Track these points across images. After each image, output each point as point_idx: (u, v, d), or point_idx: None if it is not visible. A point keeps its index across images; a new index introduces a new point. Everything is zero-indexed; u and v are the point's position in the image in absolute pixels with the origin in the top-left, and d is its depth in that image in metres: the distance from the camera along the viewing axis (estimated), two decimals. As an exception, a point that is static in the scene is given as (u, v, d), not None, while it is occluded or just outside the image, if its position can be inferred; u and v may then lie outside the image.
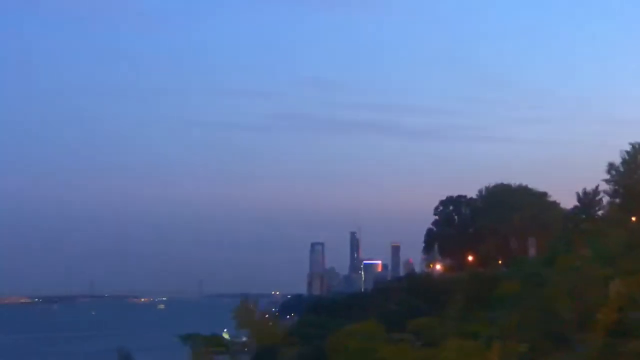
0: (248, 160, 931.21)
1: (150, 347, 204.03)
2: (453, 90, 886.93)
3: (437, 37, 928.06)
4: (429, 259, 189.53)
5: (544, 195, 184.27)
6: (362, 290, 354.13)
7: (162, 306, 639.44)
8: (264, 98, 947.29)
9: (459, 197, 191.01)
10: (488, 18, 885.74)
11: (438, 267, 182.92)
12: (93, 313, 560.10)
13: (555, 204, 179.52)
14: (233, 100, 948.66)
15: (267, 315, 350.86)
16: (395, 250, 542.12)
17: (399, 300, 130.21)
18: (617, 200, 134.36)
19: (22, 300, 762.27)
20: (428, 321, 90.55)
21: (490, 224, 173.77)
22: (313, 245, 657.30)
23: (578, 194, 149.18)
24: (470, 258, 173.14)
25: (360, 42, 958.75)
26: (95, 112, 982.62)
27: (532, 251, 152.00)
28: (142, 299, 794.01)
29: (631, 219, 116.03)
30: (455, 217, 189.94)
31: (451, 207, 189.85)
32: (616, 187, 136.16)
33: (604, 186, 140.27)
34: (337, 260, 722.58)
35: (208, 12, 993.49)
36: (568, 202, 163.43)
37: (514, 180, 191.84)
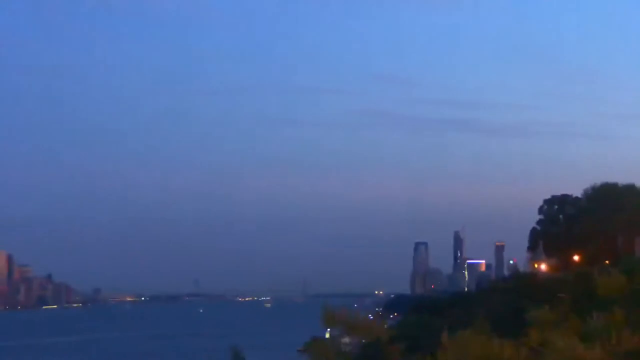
0: (344, 159, 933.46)
1: (261, 346, 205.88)
2: (537, 86, 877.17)
3: (518, 31, 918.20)
4: (534, 259, 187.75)
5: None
6: (466, 289, 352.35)
7: (268, 304, 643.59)
8: (342, 95, 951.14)
9: (564, 196, 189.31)
10: (572, 9, 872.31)
11: (543, 266, 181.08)
12: (201, 310, 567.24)
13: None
14: (314, 97, 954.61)
15: (370, 316, 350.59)
16: (499, 249, 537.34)
17: (503, 301, 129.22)
18: None
19: (129, 299, 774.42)
20: (541, 317, 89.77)
21: (596, 223, 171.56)
22: (417, 244, 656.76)
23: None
24: (576, 258, 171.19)
25: (440, 38, 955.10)
26: (184, 109, 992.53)
27: (638, 251, 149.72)
28: (246, 298, 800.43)
29: None
30: (560, 216, 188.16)
31: (556, 207, 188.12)
32: None
33: None
34: (441, 260, 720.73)
35: (280, 9, 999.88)
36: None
37: (617, 179, 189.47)
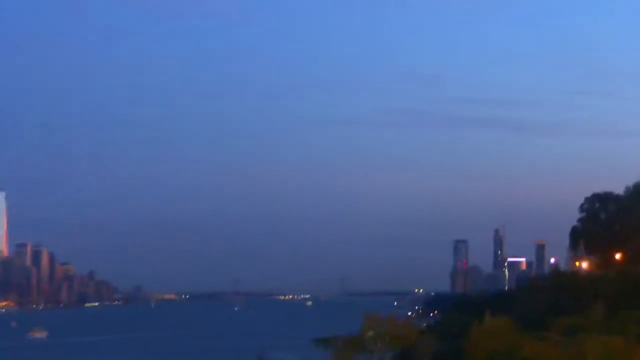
0: (380, 158, 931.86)
1: (293, 345, 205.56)
2: (577, 84, 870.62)
3: (549, 30, 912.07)
4: (575, 257, 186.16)
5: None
6: (506, 288, 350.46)
7: (309, 303, 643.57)
8: (377, 94, 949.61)
9: (606, 194, 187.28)
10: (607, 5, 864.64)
11: (584, 265, 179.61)
12: (235, 309, 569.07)
13: None
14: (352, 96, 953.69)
15: (410, 313, 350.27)
16: (540, 248, 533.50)
17: (544, 299, 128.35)
18: None
19: (170, 297, 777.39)
20: (574, 319, 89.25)
21: (638, 221, 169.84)
22: (456, 242, 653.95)
23: None
24: (617, 256, 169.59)
25: (472, 38, 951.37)
26: (232, 110, 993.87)
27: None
28: (286, 296, 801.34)
29: None
30: (602, 214, 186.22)
31: (597, 205, 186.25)
32: None
33: None
34: (481, 258, 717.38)
35: (314, 9, 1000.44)
36: None
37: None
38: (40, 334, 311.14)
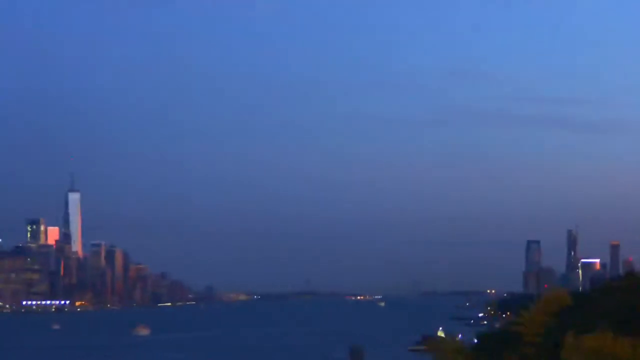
0: (450, 158, 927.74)
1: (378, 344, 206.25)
2: (632, 79, 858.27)
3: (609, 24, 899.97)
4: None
5: None
6: (580, 289, 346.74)
7: (382, 303, 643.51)
8: (424, 92, 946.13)
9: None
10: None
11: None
12: (306, 308, 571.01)
13: None
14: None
15: (481, 314, 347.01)
16: (614, 248, 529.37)
17: (620, 301, 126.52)
18: None
19: (240, 297, 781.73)
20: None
21: None
22: (529, 243, 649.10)
23: None
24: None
25: (528, 34, 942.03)
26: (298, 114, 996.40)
27: None
28: (358, 297, 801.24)
29: None
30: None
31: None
32: None
33: None
34: (554, 259, 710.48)
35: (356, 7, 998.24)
36: None
37: None
38: (144, 331, 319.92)
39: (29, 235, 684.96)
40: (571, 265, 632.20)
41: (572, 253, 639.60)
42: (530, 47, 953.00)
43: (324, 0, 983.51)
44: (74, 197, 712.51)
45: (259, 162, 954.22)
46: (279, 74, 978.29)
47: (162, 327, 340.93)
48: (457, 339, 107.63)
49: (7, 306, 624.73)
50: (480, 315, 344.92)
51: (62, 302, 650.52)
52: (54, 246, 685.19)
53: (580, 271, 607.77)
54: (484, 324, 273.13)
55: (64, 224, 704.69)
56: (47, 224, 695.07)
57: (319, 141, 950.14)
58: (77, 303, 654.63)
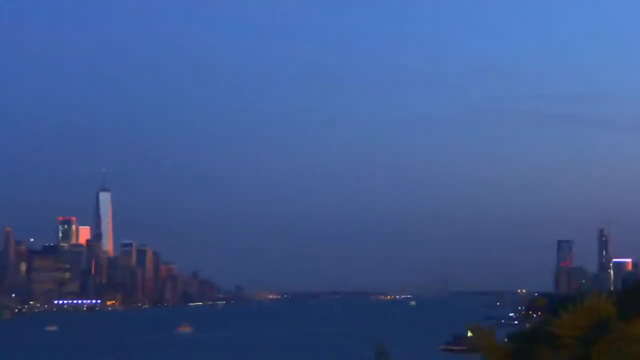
0: (479, 157, 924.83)
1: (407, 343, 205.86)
2: None
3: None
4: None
5: None
6: (612, 289, 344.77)
7: (413, 302, 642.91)
8: (450, 89, 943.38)
9: None
10: None
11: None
12: (335, 308, 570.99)
13: None
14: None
15: (512, 314, 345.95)
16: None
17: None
18: None
19: (271, 296, 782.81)
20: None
21: None
22: (560, 242, 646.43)
23: None
24: None
25: (559, 33, 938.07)
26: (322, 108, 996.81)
27: None
28: (388, 296, 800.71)
29: None
30: None
31: None
32: None
33: None
34: (585, 258, 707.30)
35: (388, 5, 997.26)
36: None
37: None
38: (186, 329, 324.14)
39: (60, 235, 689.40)
40: (603, 264, 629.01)
41: (604, 252, 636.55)
42: (561, 43, 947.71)
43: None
44: (105, 197, 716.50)
45: (283, 162, 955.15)
46: (304, 69, 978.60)
47: (202, 326, 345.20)
48: (493, 333, 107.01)
49: (39, 305, 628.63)
50: (511, 314, 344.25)
51: (93, 301, 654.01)
52: (85, 245, 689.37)
53: (612, 271, 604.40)
54: (515, 324, 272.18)
55: (95, 223, 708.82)
56: (79, 224, 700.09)
57: (339, 141, 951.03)
58: (108, 302, 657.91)
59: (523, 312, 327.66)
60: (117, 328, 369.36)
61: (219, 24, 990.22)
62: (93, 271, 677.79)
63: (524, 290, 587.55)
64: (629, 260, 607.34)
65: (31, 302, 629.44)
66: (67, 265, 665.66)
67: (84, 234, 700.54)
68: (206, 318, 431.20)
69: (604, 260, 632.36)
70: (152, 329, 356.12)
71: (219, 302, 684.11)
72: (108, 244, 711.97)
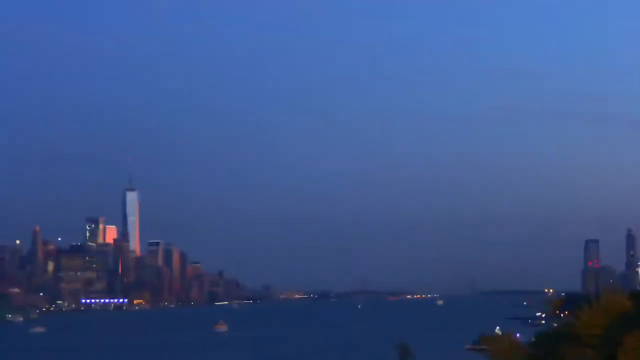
0: (504, 159, 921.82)
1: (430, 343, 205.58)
2: None
3: None
4: None
5: None
6: (639, 288, 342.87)
7: (440, 302, 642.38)
8: (484, 91, 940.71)
9: None
10: None
11: None
12: (359, 307, 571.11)
13: None
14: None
15: (539, 314, 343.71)
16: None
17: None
18: None
19: (298, 296, 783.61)
20: None
21: None
22: (587, 242, 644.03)
23: None
24: None
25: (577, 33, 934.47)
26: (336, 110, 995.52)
27: None
28: (415, 296, 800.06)
29: None
30: None
31: None
32: None
33: None
34: (612, 258, 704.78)
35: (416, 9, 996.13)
36: None
37: None
38: (222, 327, 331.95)
39: (87, 234, 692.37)
40: (630, 264, 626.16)
41: (631, 252, 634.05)
42: (593, 44, 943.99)
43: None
44: (132, 196, 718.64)
45: (310, 162, 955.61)
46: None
47: (236, 325, 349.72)
48: (513, 336, 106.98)
49: (66, 304, 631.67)
50: (538, 314, 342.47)
51: (120, 300, 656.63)
52: (113, 245, 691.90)
53: (639, 270, 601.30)
54: (543, 324, 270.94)
55: (122, 223, 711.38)
56: (106, 223, 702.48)
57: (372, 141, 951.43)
58: (135, 301, 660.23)
59: (549, 312, 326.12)
60: (150, 327, 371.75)
61: (261, 20, 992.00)
62: (120, 270, 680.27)
63: (551, 290, 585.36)
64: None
65: (59, 302, 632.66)
66: (95, 265, 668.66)
67: (111, 233, 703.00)
68: (235, 317, 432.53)
69: (631, 259, 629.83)
70: (188, 328, 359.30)
71: (235, 301, 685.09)
72: (135, 244, 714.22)
